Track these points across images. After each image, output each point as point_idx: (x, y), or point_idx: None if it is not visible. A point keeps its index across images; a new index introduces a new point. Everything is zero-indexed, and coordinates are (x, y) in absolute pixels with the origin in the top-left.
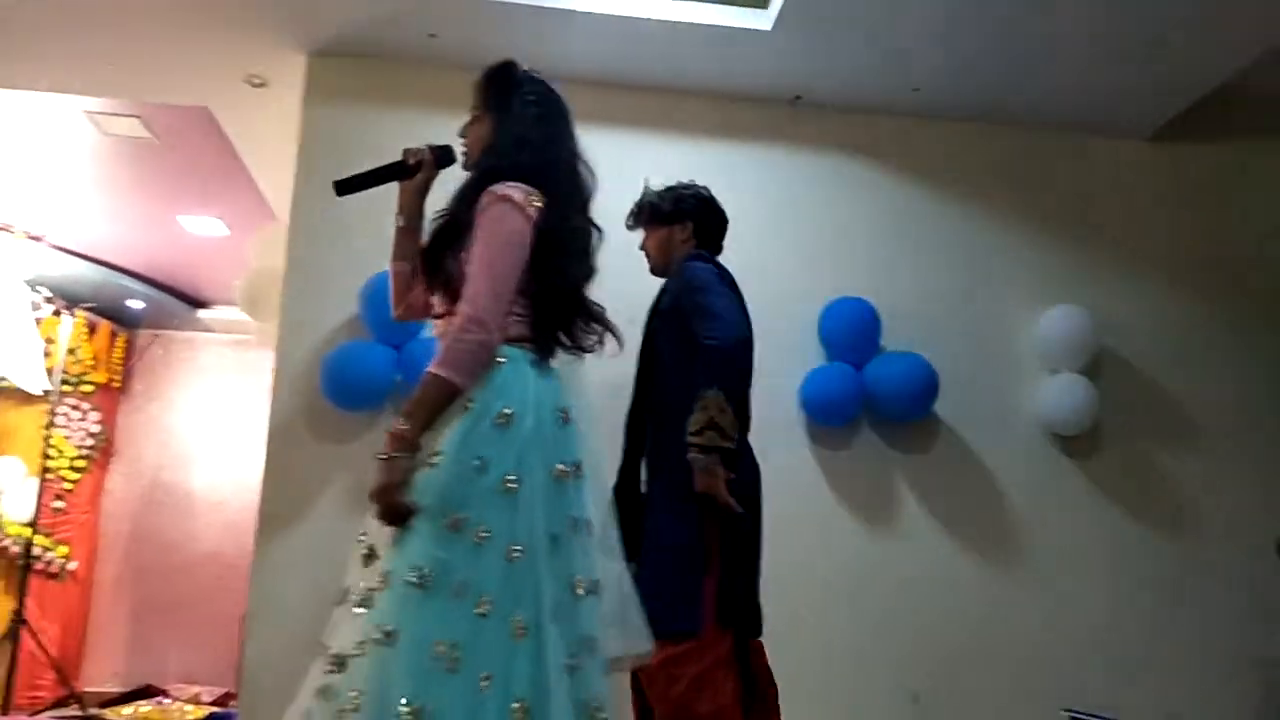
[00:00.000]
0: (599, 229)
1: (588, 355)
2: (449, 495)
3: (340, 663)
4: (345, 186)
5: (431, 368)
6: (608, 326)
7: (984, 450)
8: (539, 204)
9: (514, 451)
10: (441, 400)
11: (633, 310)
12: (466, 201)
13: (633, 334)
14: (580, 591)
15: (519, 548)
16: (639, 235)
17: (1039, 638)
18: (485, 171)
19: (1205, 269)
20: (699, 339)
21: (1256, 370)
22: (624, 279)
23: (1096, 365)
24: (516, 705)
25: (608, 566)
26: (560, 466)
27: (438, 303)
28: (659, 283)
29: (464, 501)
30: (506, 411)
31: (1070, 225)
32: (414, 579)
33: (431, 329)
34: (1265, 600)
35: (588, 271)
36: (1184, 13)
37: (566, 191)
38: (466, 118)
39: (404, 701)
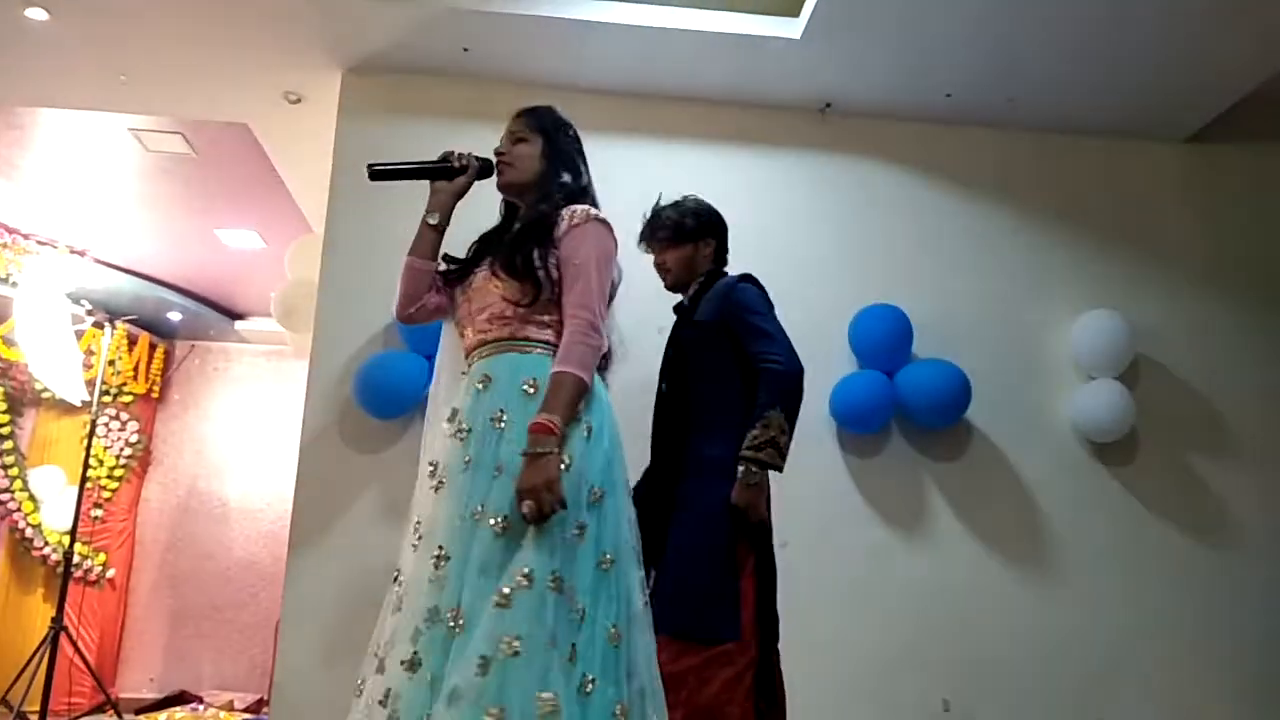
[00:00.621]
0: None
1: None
2: (573, 502)
3: (485, 664)
4: (381, 173)
5: (567, 368)
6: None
7: (1017, 457)
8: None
9: (599, 464)
10: (578, 399)
11: (662, 319)
12: (553, 209)
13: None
14: (642, 604)
15: (609, 556)
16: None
17: (1072, 646)
18: (574, 187)
19: (1243, 273)
20: (757, 360)
21: None
22: (656, 289)
23: (1133, 371)
24: (619, 707)
25: None
26: (630, 483)
27: (516, 293)
28: (660, 287)
29: (580, 509)
30: (590, 424)
31: (1105, 230)
32: (552, 583)
33: (489, 318)
34: None
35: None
36: (1220, 16)
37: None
38: (500, 130)
39: (545, 696)
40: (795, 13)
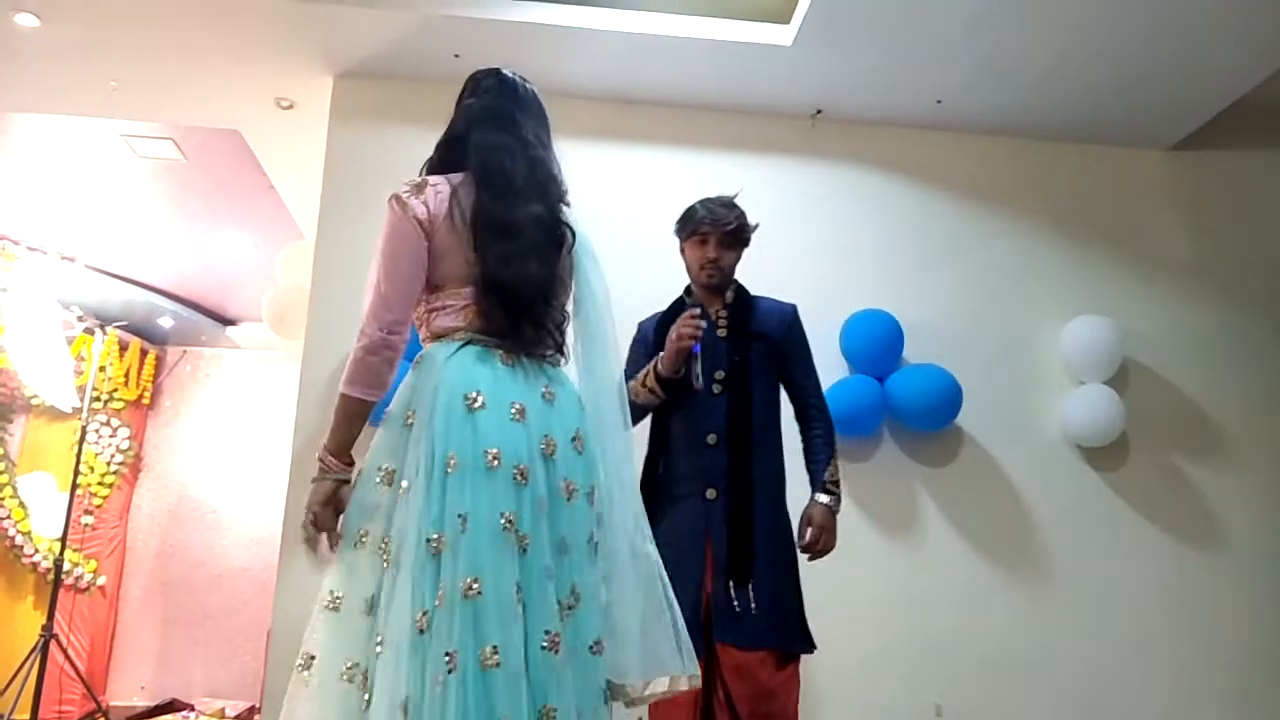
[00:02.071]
0: (552, 216)
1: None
2: (357, 511)
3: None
4: None
5: (340, 388)
6: (553, 332)
7: (1007, 462)
8: (424, 197)
9: (411, 457)
10: (344, 415)
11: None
12: None
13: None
14: (472, 593)
15: (387, 559)
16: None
17: (1063, 650)
18: (433, 157)
19: (1228, 278)
20: (812, 396)
21: None
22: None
23: (1123, 376)
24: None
25: (589, 581)
26: (451, 458)
27: None
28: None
29: (370, 515)
30: (411, 413)
31: (1093, 236)
32: (328, 603)
33: None
34: None
35: (522, 257)
36: (1205, 27)
37: (498, 181)
38: None
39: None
40: (786, 19)
